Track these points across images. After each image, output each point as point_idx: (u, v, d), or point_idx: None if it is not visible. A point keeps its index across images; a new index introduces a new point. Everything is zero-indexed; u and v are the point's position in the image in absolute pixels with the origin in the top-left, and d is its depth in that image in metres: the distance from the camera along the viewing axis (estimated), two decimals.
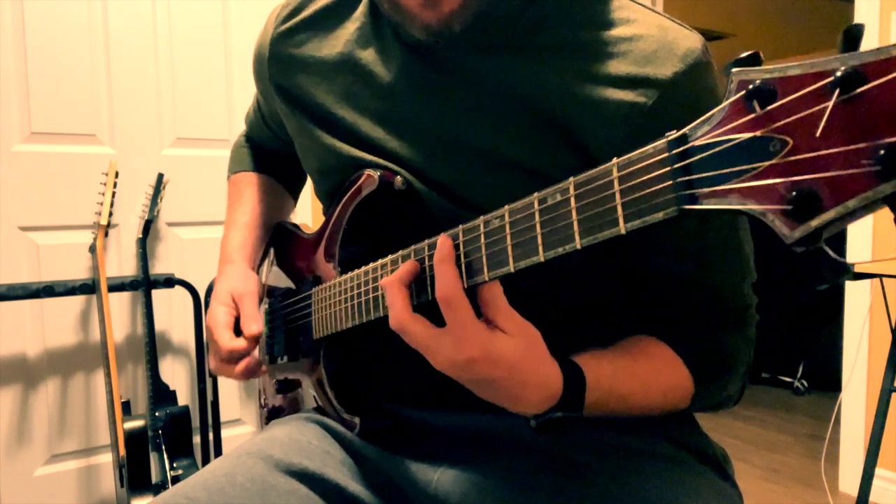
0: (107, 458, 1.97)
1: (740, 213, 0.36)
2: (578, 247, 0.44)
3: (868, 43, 2.13)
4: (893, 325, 1.62)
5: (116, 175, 1.82)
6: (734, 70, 0.37)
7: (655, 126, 0.60)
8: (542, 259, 0.47)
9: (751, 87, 0.35)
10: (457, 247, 0.53)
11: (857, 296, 2.19)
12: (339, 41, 0.74)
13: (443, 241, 0.53)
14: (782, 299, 3.21)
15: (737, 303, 0.69)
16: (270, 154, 0.99)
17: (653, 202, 0.40)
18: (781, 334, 3.39)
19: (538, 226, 0.47)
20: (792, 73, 0.35)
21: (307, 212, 2.27)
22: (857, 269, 1.61)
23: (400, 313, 0.54)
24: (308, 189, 2.27)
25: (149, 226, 1.91)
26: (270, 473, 0.64)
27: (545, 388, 0.54)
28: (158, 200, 1.90)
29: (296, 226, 0.91)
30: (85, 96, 1.92)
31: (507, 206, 0.50)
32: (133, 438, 1.67)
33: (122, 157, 1.96)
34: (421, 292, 0.56)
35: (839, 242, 2.21)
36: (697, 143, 0.38)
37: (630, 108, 0.60)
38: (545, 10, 0.65)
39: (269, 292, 0.90)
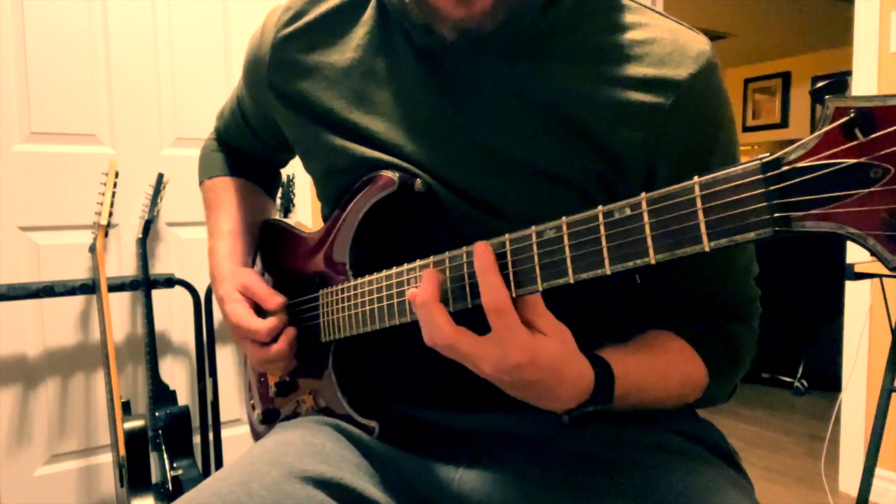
0: (107, 458, 1.97)
1: (838, 237, 0.38)
2: (652, 262, 0.45)
3: (868, 42, 2.13)
4: (893, 325, 1.62)
5: (116, 175, 1.82)
6: (829, 97, 0.38)
7: (675, 124, 0.63)
8: (608, 272, 0.47)
9: (852, 115, 0.37)
10: (504, 255, 0.54)
11: (857, 296, 2.19)
12: (347, 46, 0.73)
13: (483, 249, 0.53)
14: (782, 299, 3.21)
15: (745, 295, 0.72)
16: (245, 156, 0.97)
17: (743, 222, 0.41)
18: (781, 334, 3.39)
19: (604, 239, 0.47)
20: (893, 104, 0.36)
21: (307, 212, 2.27)
22: (857, 269, 1.61)
23: (445, 330, 0.54)
24: (307, 189, 2.24)
25: (149, 226, 1.91)
26: (286, 481, 0.63)
27: (578, 383, 0.56)
28: (158, 200, 1.90)
29: (290, 224, 0.89)
30: (85, 96, 1.92)
31: (564, 218, 0.50)
32: (133, 438, 1.66)
33: (122, 157, 1.96)
34: (458, 300, 0.57)
35: (839, 242, 2.21)
36: (795, 166, 0.39)
37: (650, 109, 0.62)
38: (559, 16, 0.66)
39: None
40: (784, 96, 5.25)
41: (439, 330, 0.54)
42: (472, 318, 0.55)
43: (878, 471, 2.01)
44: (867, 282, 2.08)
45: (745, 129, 5.43)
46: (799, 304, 3.31)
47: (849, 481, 2.22)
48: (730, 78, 5.44)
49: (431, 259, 0.59)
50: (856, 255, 2.11)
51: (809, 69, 5.04)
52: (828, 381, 3.10)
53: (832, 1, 3.80)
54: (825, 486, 2.24)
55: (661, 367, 0.65)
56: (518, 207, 0.65)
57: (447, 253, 0.58)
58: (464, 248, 0.57)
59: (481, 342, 0.53)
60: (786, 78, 5.23)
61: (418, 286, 0.57)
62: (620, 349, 0.62)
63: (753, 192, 0.40)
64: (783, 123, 5.25)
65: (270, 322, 0.76)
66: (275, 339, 0.76)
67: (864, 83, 2.13)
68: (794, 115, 5.19)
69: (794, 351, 3.45)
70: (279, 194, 2.03)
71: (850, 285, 2.20)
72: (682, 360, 0.66)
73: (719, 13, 4.17)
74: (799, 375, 3.43)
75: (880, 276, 1.61)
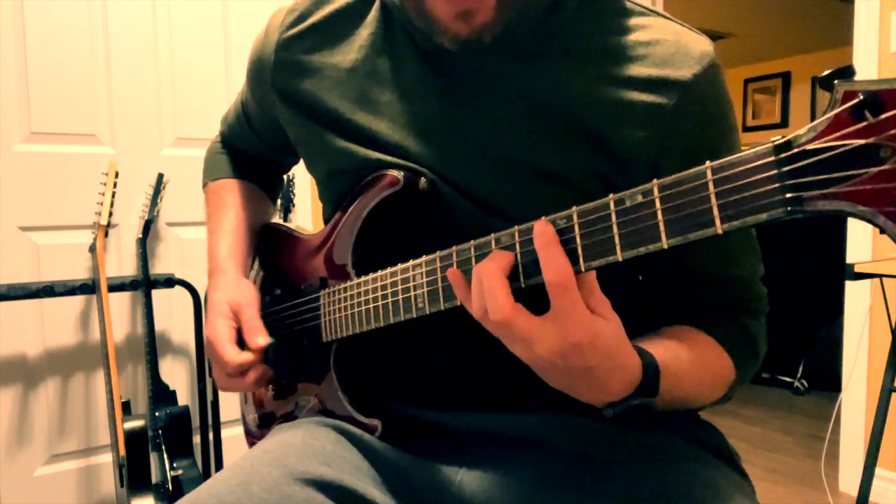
0: (107, 458, 1.97)
1: (848, 215, 0.39)
2: (665, 246, 0.46)
3: (868, 42, 2.13)
4: (893, 325, 1.62)
5: (116, 175, 1.82)
6: (837, 82, 0.39)
7: (677, 125, 0.63)
8: (619, 258, 0.48)
9: (861, 97, 0.38)
10: (512, 247, 0.53)
11: (857, 296, 2.19)
12: (351, 47, 0.73)
13: (543, 224, 0.51)
14: (782, 298, 3.22)
15: (755, 292, 0.72)
16: (249, 159, 0.98)
17: (756, 204, 0.42)
18: (781, 334, 3.38)
19: (615, 226, 0.48)
20: None
21: (307, 213, 2.27)
22: (857, 269, 1.61)
23: (505, 305, 0.51)
24: (307, 190, 2.24)
25: (149, 226, 1.91)
26: (286, 482, 0.62)
27: (626, 373, 0.54)
28: (158, 200, 1.90)
29: (290, 227, 0.89)
30: (85, 96, 1.92)
31: (574, 208, 0.50)
32: (133, 438, 1.66)
33: (122, 157, 1.96)
34: (512, 280, 0.54)
35: (839, 242, 2.21)
36: (806, 148, 0.40)
37: (653, 110, 0.63)
38: (563, 18, 0.66)
39: (261, 294, 0.89)
40: (784, 96, 5.25)
41: (498, 303, 0.51)
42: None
43: (878, 471, 2.01)
44: (867, 282, 2.08)
45: (745, 129, 5.43)
46: (799, 304, 3.31)
47: (849, 481, 2.22)
48: (730, 78, 5.44)
49: (438, 254, 0.59)
50: (856, 255, 2.11)
51: (809, 69, 5.04)
52: (828, 381, 3.10)
53: (832, 1, 3.80)
54: (825, 486, 2.24)
55: (696, 362, 0.64)
56: (521, 207, 0.65)
57: (454, 247, 0.58)
58: (471, 241, 0.56)
59: (539, 321, 0.51)
60: (786, 78, 5.23)
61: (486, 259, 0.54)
62: (655, 342, 0.61)
63: (766, 174, 0.41)
64: (783, 123, 5.24)
65: (244, 358, 0.73)
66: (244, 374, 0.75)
67: None
68: (794, 115, 5.19)
69: (794, 351, 3.45)
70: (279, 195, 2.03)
71: (850, 285, 2.20)
72: (712, 354, 0.66)
73: (719, 13, 4.16)
74: (799, 375, 3.43)
75: (880, 276, 1.61)
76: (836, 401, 2.24)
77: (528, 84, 0.66)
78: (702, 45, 0.65)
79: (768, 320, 0.74)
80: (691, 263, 0.68)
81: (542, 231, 0.51)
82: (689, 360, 0.62)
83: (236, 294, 0.78)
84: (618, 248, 0.48)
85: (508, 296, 0.52)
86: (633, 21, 0.66)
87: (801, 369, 3.43)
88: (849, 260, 2.09)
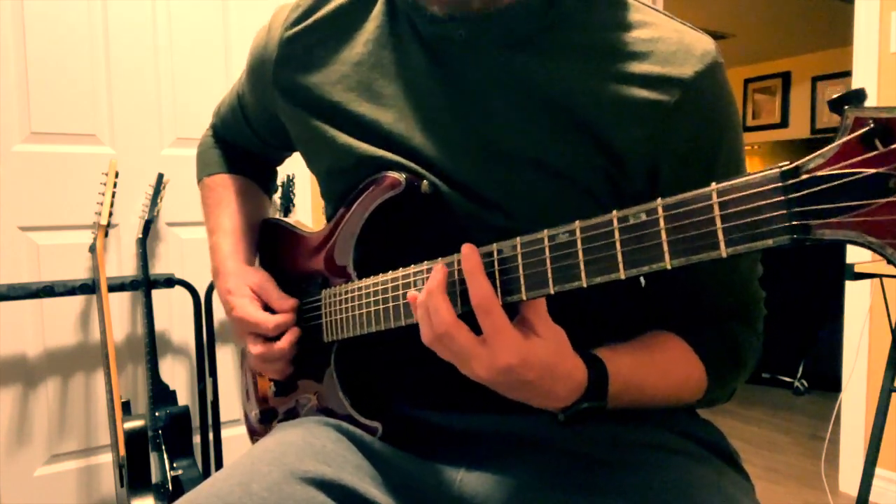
0: (107, 458, 1.97)
1: (855, 244, 0.38)
2: (668, 267, 0.45)
3: (868, 42, 2.13)
4: (893, 325, 1.62)
5: (116, 175, 1.82)
6: (847, 108, 0.39)
7: (678, 123, 0.63)
8: (622, 276, 0.48)
9: (872, 125, 0.37)
10: (514, 258, 0.54)
11: (857, 296, 2.19)
12: (357, 41, 0.74)
13: (469, 251, 0.55)
14: (782, 299, 3.21)
15: (748, 297, 0.72)
16: (243, 154, 0.98)
17: (761, 229, 0.41)
18: (781, 334, 3.38)
19: (618, 244, 0.48)
20: None
21: (307, 212, 2.27)
22: (857, 269, 1.61)
23: (446, 318, 0.54)
24: (307, 189, 2.24)
25: (149, 226, 1.91)
26: (286, 481, 0.63)
27: (571, 381, 0.56)
28: (158, 200, 1.90)
29: (291, 223, 0.89)
30: (85, 96, 1.92)
31: (577, 222, 0.50)
32: (133, 438, 1.66)
33: (122, 157, 1.96)
34: (464, 303, 0.57)
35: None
36: (814, 175, 0.39)
37: (654, 107, 0.62)
38: (565, 12, 0.66)
39: None
40: (784, 96, 5.25)
41: (440, 317, 0.54)
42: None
43: (878, 471, 2.01)
44: (867, 282, 2.08)
45: (746, 129, 5.42)
46: (799, 304, 3.31)
47: (849, 481, 2.22)
48: (730, 78, 5.42)
49: (440, 261, 0.59)
50: (856, 255, 2.11)
51: (809, 69, 5.04)
52: (828, 381, 3.10)
53: (832, 1, 3.80)
54: (825, 486, 2.24)
55: (659, 367, 0.65)
56: (523, 204, 0.65)
57: (455, 255, 0.58)
58: (455, 255, 0.57)
59: (474, 342, 0.54)
60: (786, 78, 5.23)
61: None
62: (617, 348, 0.63)
63: (772, 200, 0.41)
64: (783, 123, 5.24)
65: (279, 317, 0.76)
66: (278, 337, 0.76)
67: (864, 83, 2.13)
68: (794, 115, 5.18)
69: (795, 351, 3.45)
70: (279, 194, 2.03)
71: (850, 285, 2.20)
72: (680, 361, 0.67)
73: (719, 13, 4.16)
74: (799, 375, 3.43)
75: (880, 276, 1.61)
76: (836, 401, 2.24)
77: (529, 76, 0.66)
78: (704, 44, 0.65)
79: (769, 321, 0.74)
80: (686, 267, 0.68)
81: (468, 257, 0.54)
82: (650, 365, 0.64)
83: (252, 277, 0.81)
84: (621, 265, 0.47)
85: (451, 311, 0.55)
86: (636, 17, 0.66)
87: (801, 369, 3.43)
88: (849, 260, 2.09)
